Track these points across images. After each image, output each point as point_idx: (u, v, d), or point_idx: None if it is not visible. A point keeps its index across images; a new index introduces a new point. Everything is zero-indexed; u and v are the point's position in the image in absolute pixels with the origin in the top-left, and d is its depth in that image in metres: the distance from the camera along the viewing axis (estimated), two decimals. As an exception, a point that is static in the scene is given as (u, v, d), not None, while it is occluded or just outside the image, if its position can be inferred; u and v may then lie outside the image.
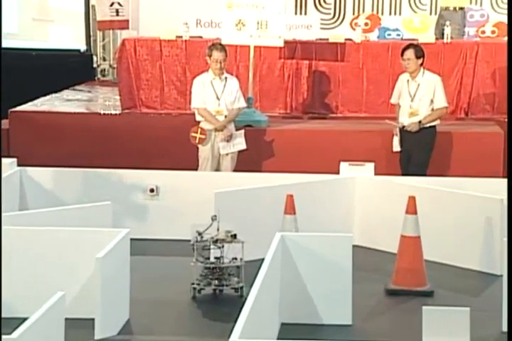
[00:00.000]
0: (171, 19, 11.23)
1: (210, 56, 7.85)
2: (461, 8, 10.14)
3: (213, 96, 7.87)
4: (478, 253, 6.38)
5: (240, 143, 7.91)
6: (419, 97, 7.95)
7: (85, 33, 13.27)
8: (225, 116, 7.88)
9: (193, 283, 5.69)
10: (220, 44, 8.17)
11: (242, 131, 8.02)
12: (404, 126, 8.00)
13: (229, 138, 7.86)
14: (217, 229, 5.66)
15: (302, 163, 8.34)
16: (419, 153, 7.99)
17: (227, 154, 7.89)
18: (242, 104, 8.04)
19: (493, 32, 11.81)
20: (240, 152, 7.97)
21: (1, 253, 4.89)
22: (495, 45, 9.80)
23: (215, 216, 5.65)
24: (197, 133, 7.83)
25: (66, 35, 13.77)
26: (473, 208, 6.43)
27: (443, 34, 9.82)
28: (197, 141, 7.82)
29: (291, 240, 5.25)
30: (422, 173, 7.68)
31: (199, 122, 7.89)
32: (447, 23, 9.78)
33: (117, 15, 11.92)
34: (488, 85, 9.68)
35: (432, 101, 7.95)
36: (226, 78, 7.94)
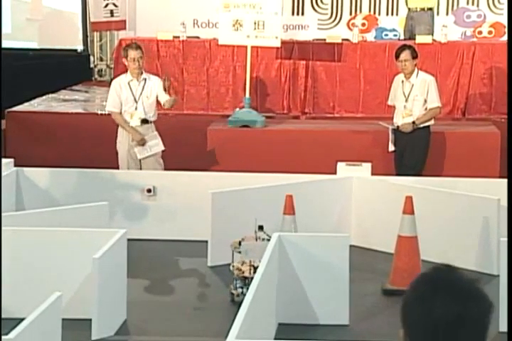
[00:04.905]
0: (168, 19, 11.21)
1: (126, 57, 7.60)
2: (430, 9, 10.18)
3: (131, 98, 7.62)
4: (475, 253, 6.38)
5: (156, 144, 7.62)
6: (413, 97, 7.96)
7: (82, 33, 13.25)
8: (142, 120, 7.62)
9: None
10: (135, 43, 7.95)
11: (156, 133, 7.70)
12: (398, 127, 8.02)
13: (142, 143, 7.58)
14: (256, 239, 5.63)
15: (299, 163, 8.34)
16: (413, 153, 7.99)
17: (144, 158, 7.63)
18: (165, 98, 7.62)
19: (490, 32, 11.79)
20: (234, 152, 7.94)
21: (0, 254, 4.89)
22: (492, 46, 9.80)
23: (261, 226, 5.61)
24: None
25: (63, 35, 13.75)
26: (469, 208, 6.43)
27: (413, 35, 9.87)
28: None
29: (289, 240, 5.26)
30: (414, 174, 7.66)
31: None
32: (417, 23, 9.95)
33: (112, 16, 11.86)
34: (485, 85, 9.67)
35: (425, 101, 7.97)
36: (145, 79, 7.65)
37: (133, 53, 7.54)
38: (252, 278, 5.38)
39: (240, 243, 5.64)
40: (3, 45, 12.39)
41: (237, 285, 5.59)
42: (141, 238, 6.73)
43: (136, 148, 7.61)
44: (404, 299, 1.93)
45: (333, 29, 11.95)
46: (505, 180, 6.11)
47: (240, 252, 5.63)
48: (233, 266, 5.62)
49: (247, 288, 5.34)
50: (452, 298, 1.89)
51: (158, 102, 7.76)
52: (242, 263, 5.59)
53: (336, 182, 7.06)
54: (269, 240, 5.45)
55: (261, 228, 5.61)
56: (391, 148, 8.11)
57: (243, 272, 5.53)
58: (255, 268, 5.43)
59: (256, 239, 5.59)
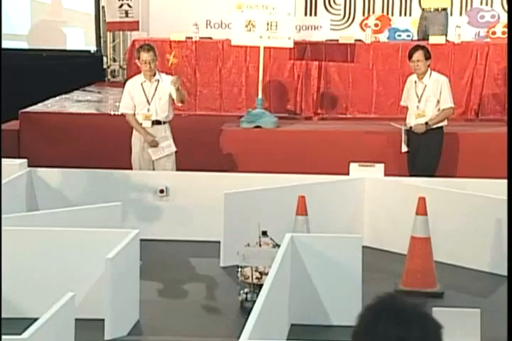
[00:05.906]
0: (181, 20, 11.22)
1: (138, 58, 7.58)
2: (444, 9, 10.17)
3: (143, 100, 7.60)
4: (488, 254, 6.36)
5: (168, 146, 7.62)
6: (426, 98, 7.94)
7: (95, 34, 13.29)
8: (154, 121, 7.63)
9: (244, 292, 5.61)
10: (148, 44, 7.92)
11: (168, 134, 7.68)
12: (411, 127, 8.00)
13: (154, 144, 7.58)
14: (259, 245, 5.58)
15: (311, 163, 8.34)
16: (425, 154, 7.96)
17: (158, 159, 7.61)
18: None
19: (503, 33, 11.73)
20: (247, 152, 7.93)
21: (0, 253, 4.90)
22: (505, 46, 9.77)
23: (265, 232, 5.56)
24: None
25: (77, 36, 13.81)
26: (483, 209, 6.41)
27: (427, 35, 9.85)
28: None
29: (301, 241, 5.25)
30: (427, 175, 7.62)
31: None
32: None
33: (126, 16, 11.89)
34: (498, 86, 9.65)
35: (438, 102, 7.94)
36: (158, 80, 7.59)
37: (145, 56, 7.52)
38: (254, 284, 5.38)
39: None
40: (18, 46, 12.47)
41: (242, 291, 5.55)
42: (153, 238, 6.74)
43: (149, 149, 7.61)
44: (353, 331, 1.96)
45: (346, 30, 11.93)
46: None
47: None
48: (239, 272, 5.60)
49: (252, 294, 5.34)
50: (393, 322, 1.92)
51: (173, 102, 7.77)
52: (247, 268, 5.56)
53: (348, 183, 7.05)
54: (275, 246, 5.40)
55: (264, 233, 5.57)
56: (404, 148, 8.09)
57: (247, 278, 5.51)
58: (260, 274, 5.41)
59: (260, 245, 5.55)
